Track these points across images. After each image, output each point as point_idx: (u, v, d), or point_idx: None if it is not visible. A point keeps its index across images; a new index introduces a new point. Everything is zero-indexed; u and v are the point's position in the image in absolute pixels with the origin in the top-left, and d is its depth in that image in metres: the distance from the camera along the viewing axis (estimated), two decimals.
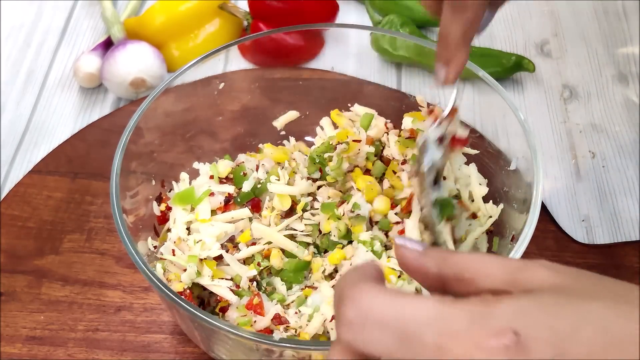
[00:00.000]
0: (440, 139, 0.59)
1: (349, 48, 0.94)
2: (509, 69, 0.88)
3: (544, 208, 0.76)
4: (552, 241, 0.73)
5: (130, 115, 0.64)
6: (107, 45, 0.92)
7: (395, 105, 0.74)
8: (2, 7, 1.02)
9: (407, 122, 0.70)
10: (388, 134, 0.70)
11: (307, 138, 0.76)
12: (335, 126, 0.73)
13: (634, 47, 0.94)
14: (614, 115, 0.87)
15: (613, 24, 0.97)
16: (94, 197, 0.78)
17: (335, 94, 0.76)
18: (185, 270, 0.61)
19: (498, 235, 0.66)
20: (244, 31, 0.96)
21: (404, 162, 0.67)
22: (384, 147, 0.69)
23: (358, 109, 0.72)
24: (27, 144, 0.86)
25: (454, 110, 0.60)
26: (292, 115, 0.75)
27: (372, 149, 0.68)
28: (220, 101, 0.74)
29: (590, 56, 0.94)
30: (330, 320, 0.59)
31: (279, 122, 0.74)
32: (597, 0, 1.00)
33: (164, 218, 0.67)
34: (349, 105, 0.74)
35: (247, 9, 0.94)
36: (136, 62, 0.86)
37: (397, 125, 0.71)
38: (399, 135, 0.69)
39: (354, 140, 0.68)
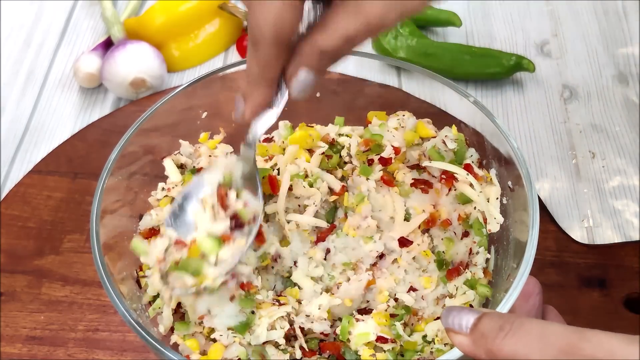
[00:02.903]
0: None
1: None
2: (509, 69, 0.88)
3: (544, 208, 0.76)
4: (552, 241, 0.73)
5: (131, 115, 0.64)
6: (107, 45, 0.92)
7: (395, 105, 0.74)
8: (2, 7, 1.02)
9: (374, 126, 0.67)
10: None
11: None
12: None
13: (634, 47, 0.94)
14: (614, 115, 0.87)
15: (613, 24, 0.97)
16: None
17: (335, 94, 0.76)
18: None
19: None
20: (243, 31, 0.96)
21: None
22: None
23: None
24: (27, 144, 0.86)
25: None
26: None
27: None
28: (221, 101, 0.74)
29: (590, 56, 0.93)
30: None
31: None
32: (597, 0, 1.00)
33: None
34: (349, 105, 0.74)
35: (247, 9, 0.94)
36: (136, 62, 0.86)
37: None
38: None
39: None
